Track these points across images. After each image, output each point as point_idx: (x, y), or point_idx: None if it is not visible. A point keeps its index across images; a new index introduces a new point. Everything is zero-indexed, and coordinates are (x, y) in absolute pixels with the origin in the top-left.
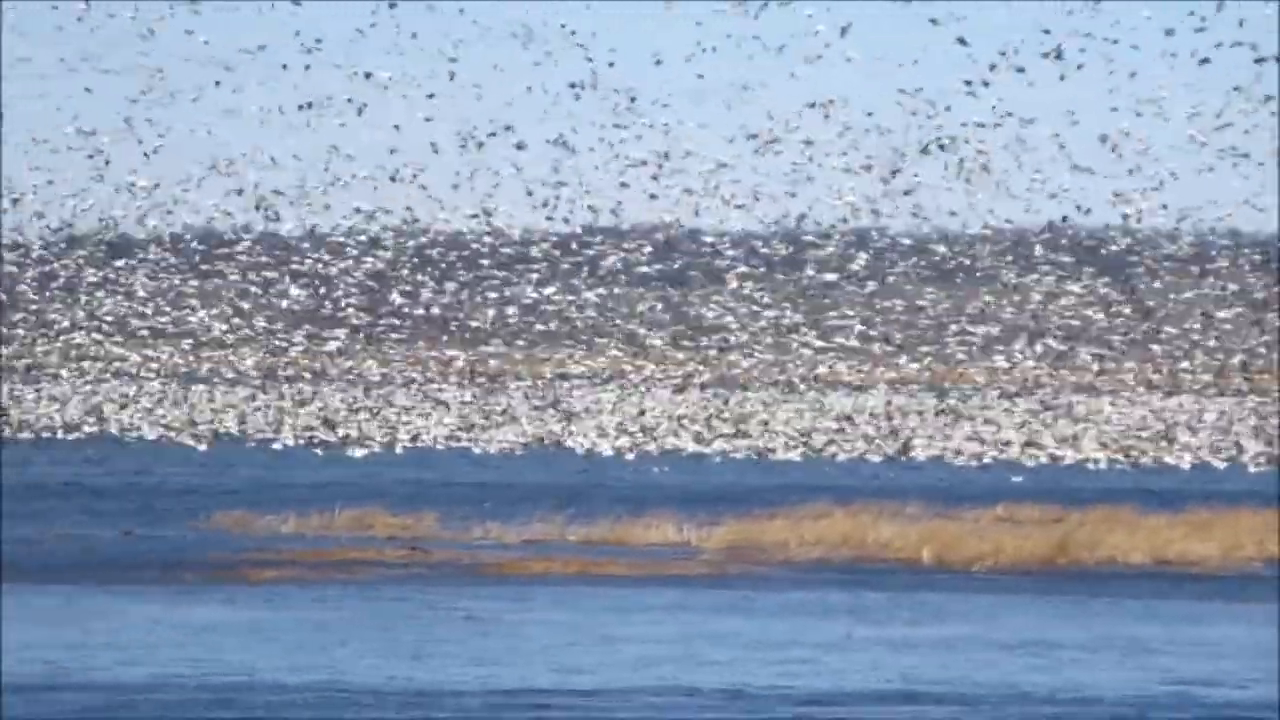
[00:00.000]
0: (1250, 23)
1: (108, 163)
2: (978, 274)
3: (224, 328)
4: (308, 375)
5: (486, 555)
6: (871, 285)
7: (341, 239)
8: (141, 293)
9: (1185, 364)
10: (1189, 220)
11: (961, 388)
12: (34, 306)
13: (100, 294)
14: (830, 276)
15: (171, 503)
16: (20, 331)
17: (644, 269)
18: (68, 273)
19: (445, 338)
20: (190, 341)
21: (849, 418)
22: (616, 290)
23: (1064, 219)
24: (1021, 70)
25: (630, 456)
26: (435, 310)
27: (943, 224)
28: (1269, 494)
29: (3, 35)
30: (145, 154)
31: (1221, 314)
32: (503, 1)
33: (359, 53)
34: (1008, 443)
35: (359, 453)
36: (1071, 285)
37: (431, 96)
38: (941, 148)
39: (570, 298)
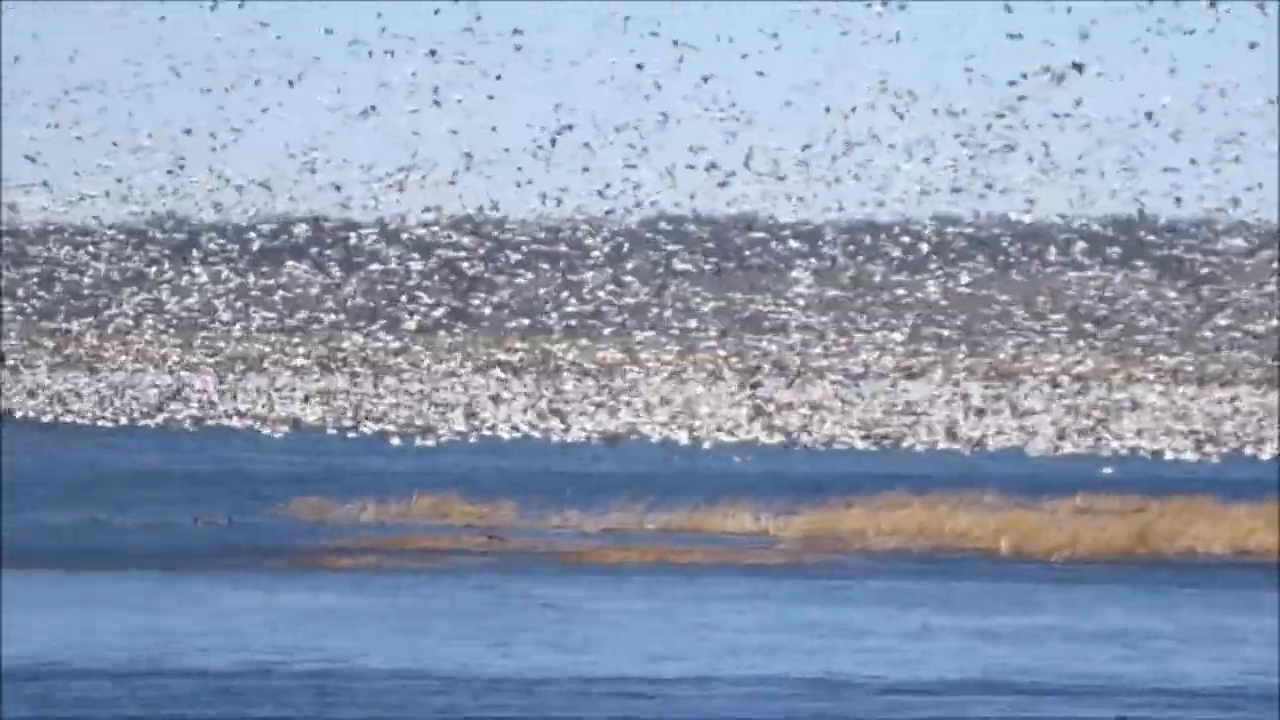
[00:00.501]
0: None
1: (182, 159)
2: (1048, 265)
3: (301, 316)
4: (381, 365)
5: (564, 544)
6: (941, 275)
7: (416, 229)
8: (214, 283)
9: (1249, 355)
10: (1259, 214)
11: (1030, 376)
12: (110, 297)
13: (172, 285)
14: (894, 274)
15: (251, 490)
16: (90, 321)
17: (711, 260)
18: (139, 264)
19: (519, 327)
20: (262, 331)
21: (919, 411)
22: (685, 282)
23: (1141, 212)
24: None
25: (706, 446)
26: (506, 300)
27: (1012, 215)
28: None
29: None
30: (213, 148)
31: None
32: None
33: (427, 40)
34: (1083, 433)
35: (434, 441)
36: (1144, 275)
37: (498, 78)
38: (1009, 147)
39: (641, 286)
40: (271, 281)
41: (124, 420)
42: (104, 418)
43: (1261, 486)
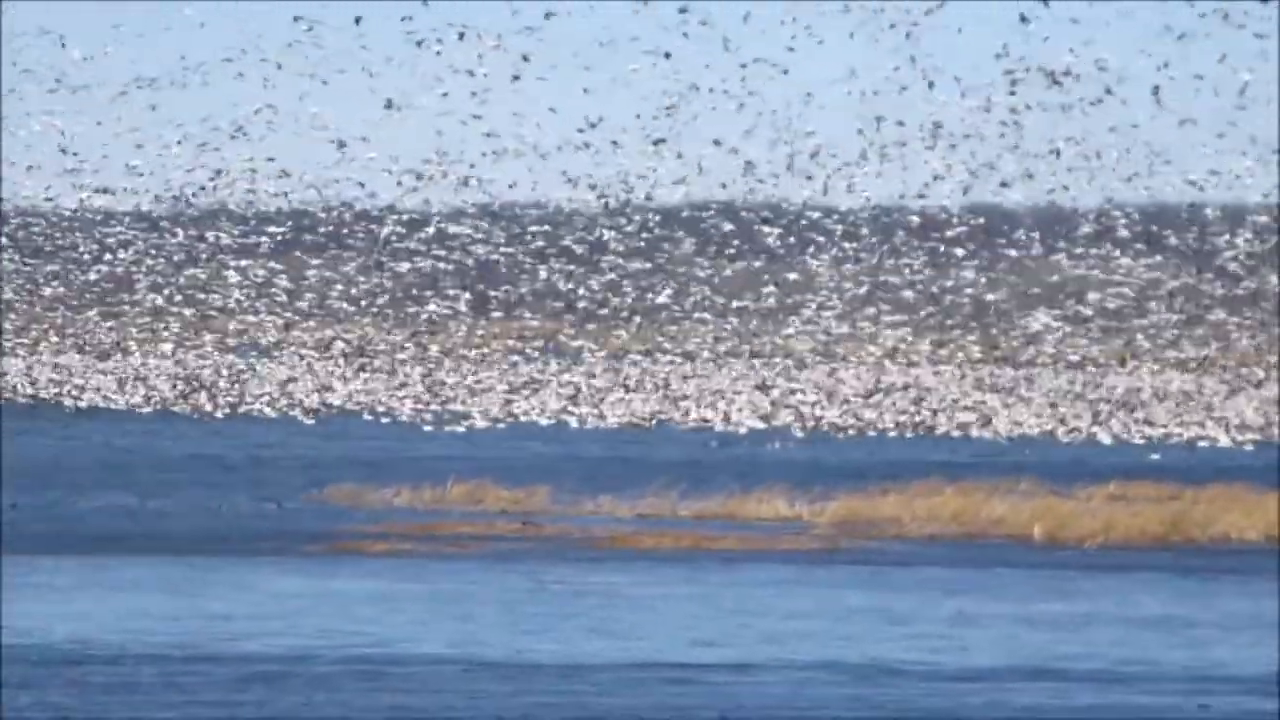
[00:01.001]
0: None
1: (231, 137)
2: (1078, 252)
3: (343, 303)
4: (418, 349)
5: (599, 529)
6: (979, 262)
7: (441, 221)
8: (259, 269)
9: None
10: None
11: (1062, 364)
12: (155, 281)
13: (198, 276)
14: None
15: (286, 476)
16: (115, 309)
17: (750, 244)
18: (189, 248)
19: (546, 314)
20: (302, 316)
21: (949, 399)
22: (726, 268)
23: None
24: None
25: (742, 432)
26: (534, 289)
27: (1050, 200)
28: None
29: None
30: (261, 135)
31: None
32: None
33: (456, 26)
34: (1117, 420)
35: (469, 427)
36: (1168, 265)
37: (526, 57)
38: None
39: (668, 276)
40: (297, 271)
41: (151, 408)
42: (135, 405)
43: None
